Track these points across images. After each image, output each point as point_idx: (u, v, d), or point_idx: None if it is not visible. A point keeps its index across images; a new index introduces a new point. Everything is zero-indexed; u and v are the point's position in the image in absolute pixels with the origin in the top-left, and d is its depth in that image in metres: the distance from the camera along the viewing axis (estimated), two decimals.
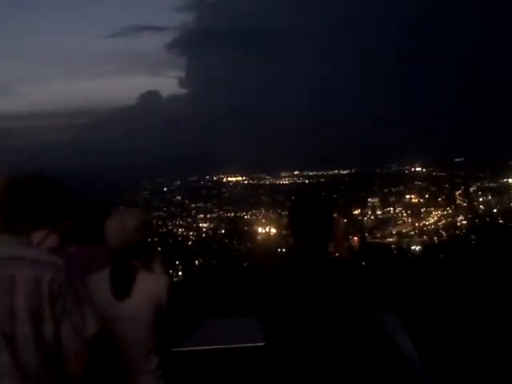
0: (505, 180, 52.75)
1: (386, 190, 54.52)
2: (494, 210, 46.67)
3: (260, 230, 48.41)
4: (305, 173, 61.99)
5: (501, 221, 39.13)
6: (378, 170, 59.61)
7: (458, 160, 58.80)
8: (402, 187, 54.78)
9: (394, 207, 52.31)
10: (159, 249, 39.49)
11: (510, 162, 53.04)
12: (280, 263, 2.98)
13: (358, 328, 2.65)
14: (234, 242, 44.56)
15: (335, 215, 2.87)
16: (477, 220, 44.05)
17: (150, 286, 3.02)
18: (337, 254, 3.08)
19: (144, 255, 3.08)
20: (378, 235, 47.57)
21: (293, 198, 3.03)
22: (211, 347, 3.47)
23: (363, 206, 52.13)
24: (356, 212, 51.37)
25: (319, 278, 2.70)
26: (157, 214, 51.83)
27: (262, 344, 2.88)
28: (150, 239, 3.21)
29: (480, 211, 48.23)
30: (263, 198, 55.44)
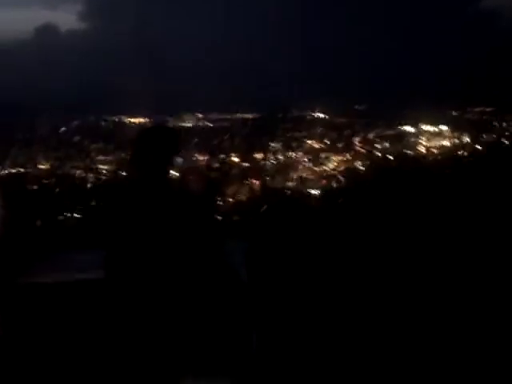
0: (401, 127, 54.77)
1: (288, 135, 54.90)
2: (390, 157, 48.39)
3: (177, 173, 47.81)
4: (209, 116, 61.28)
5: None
6: (280, 115, 59.83)
7: (358, 107, 60.11)
8: (304, 132, 55.38)
9: (295, 152, 53.05)
10: (57, 190, 38.34)
11: (406, 110, 54.90)
12: (119, 193, 3.02)
13: (195, 255, 2.72)
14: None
15: (186, 151, 2.97)
16: (374, 165, 45.54)
17: None
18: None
19: None
20: (280, 179, 48.42)
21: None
22: (54, 280, 3.29)
23: (265, 150, 52.34)
24: (258, 156, 51.73)
25: (155, 205, 2.80)
26: (54, 154, 50.20)
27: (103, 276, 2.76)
28: None
29: (376, 157, 49.92)
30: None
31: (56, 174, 46.40)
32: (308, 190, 42.27)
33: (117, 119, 63.58)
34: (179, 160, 3.17)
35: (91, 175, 47.50)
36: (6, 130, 49.03)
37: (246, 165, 54.72)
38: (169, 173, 2.81)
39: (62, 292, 3.32)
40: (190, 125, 59.66)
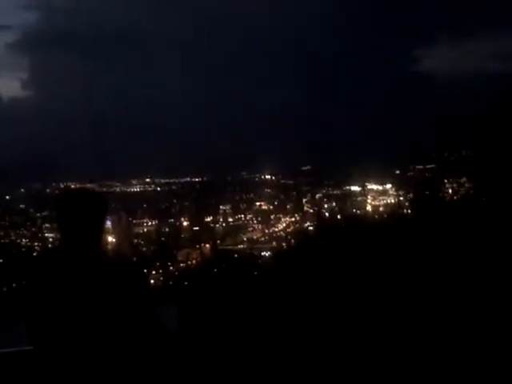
0: (347, 187, 55.91)
1: (237, 198, 55.57)
2: (338, 216, 49.17)
3: (110, 239, 47.37)
4: (156, 180, 61.40)
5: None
6: (229, 178, 60.41)
7: (304, 168, 61.30)
8: (252, 195, 56.28)
9: (244, 214, 53.51)
10: (1, 261, 37.28)
11: (350, 170, 56.19)
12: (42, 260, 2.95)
13: (122, 322, 2.69)
14: None
15: (118, 213, 2.95)
16: (323, 225, 46.06)
17: None
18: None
19: None
20: (230, 242, 48.42)
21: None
22: None
23: (215, 213, 52.78)
24: (208, 219, 51.92)
25: (82, 273, 2.73)
26: None
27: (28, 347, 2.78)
28: None
29: (325, 217, 50.67)
30: (112, 205, 53.78)
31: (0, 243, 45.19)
32: (258, 252, 42.33)
33: (63, 185, 63.24)
34: (108, 224, 3.21)
35: (37, 243, 46.87)
36: None
37: (196, 228, 55.17)
38: (96, 239, 2.81)
39: None
40: (138, 189, 59.66)
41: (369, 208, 52.90)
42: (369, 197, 55.30)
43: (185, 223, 50.63)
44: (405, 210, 44.18)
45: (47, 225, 50.16)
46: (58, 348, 2.56)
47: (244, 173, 61.47)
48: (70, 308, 2.63)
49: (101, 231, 2.83)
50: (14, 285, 31.88)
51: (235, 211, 53.52)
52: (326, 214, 51.54)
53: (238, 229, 51.80)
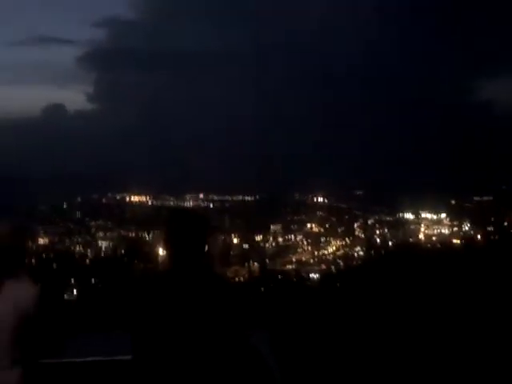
0: (401, 214, 55.06)
1: (288, 218, 55.32)
2: (390, 243, 48.46)
3: (161, 251, 46.67)
4: (210, 196, 61.96)
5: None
6: (282, 198, 60.38)
7: (356, 193, 60.77)
8: (303, 216, 55.93)
9: (295, 235, 53.19)
10: (55, 266, 38.30)
11: (404, 197, 55.39)
12: (151, 279, 2.98)
13: (222, 343, 2.74)
14: (134, 262, 42.66)
15: (215, 234, 2.97)
16: (373, 251, 45.51)
17: (16, 293, 2.93)
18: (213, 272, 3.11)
19: (10, 264, 2.98)
20: (279, 262, 48.01)
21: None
22: (79, 360, 3.37)
23: (266, 232, 52.63)
24: (258, 238, 51.90)
25: (188, 293, 2.78)
26: (54, 230, 50.38)
27: (129, 358, 2.85)
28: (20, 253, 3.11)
29: (377, 243, 49.93)
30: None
31: (55, 250, 46.30)
32: (307, 273, 42.02)
33: (119, 197, 64.80)
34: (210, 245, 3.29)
35: (91, 251, 47.56)
36: (7, 204, 49.38)
37: (246, 246, 55.25)
38: (202, 257, 2.88)
39: (91, 372, 3.38)
40: (191, 205, 60.25)
41: (422, 237, 51.94)
42: (422, 225, 54.31)
43: (235, 240, 50.79)
44: (461, 241, 43.19)
45: (101, 233, 51.78)
46: (161, 362, 2.69)
47: (296, 194, 61.69)
48: (176, 324, 2.72)
49: (205, 250, 2.94)
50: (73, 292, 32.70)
51: (286, 231, 53.33)
52: (377, 240, 51.10)
53: (287, 249, 51.47)
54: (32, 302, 2.94)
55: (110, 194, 63.28)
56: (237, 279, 42.90)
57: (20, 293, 2.93)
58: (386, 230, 52.94)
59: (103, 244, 49.75)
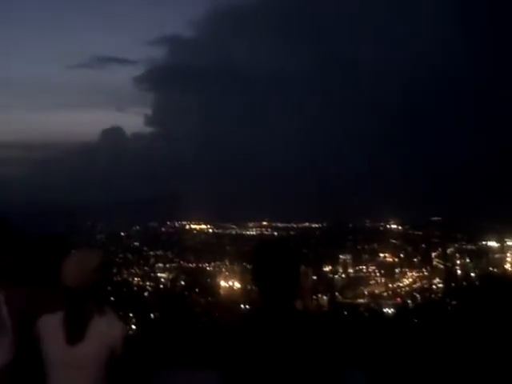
0: (483, 242, 53.39)
1: (359, 247, 54.94)
2: (472, 274, 47.11)
3: (223, 283, 48.69)
4: (274, 224, 62.29)
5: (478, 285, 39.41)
6: (351, 225, 60.09)
7: (434, 219, 59.39)
8: (375, 245, 55.38)
9: (366, 265, 52.73)
10: (112, 299, 39.06)
11: (485, 224, 53.88)
12: (244, 317, 3.02)
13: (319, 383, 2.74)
14: (194, 295, 44.08)
15: (302, 267, 2.97)
16: (454, 284, 44.37)
17: (104, 331, 3.02)
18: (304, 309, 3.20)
19: (99, 298, 3.09)
20: (349, 295, 47.89)
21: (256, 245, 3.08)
22: None
23: (334, 262, 52.41)
24: (326, 269, 51.63)
25: (282, 332, 2.79)
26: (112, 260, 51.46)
27: None
28: (106, 282, 3.22)
29: (457, 274, 48.65)
30: (228, 248, 55.48)
31: (113, 281, 47.25)
32: (380, 308, 41.27)
33: (178, 225, 65.82)
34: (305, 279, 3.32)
35: (149, 284, 48.39)
36: (68, 229, 50.79)
37: (314, 278, 53.65)
38: (293, 293, 2.93)
39: None
40: (253, 233, 60.45)
41: (508, 267, 50.27)
42: (508, 254, 52.54)
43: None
44: None
45: (160, 264, 52.76)
46: None
47: (367, 221, 61.27)
48: (268, 364, 2.75)
49: (296, 285, 2.94)
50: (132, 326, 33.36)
51: (356, 262, 52.88)
52: (458, 271, 49.80)
53: (358, 281, 51.01)
54: (121, 339, 3.05)
55: (169, 223, 64.22)
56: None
57: (111, 330, 3.04)
58: (467, 260, 51.47)
59: (162, 276, 50.50)
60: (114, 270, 50.06)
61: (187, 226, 63.75)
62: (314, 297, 46.45)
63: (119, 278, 47.63)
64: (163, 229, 62.92)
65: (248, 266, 48.57)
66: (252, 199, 71.84)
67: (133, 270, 51.23)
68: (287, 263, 2.89)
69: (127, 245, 57.36)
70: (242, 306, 39.17)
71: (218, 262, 52.23)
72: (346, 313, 38.85)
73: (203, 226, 63.36)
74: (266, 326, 2.83)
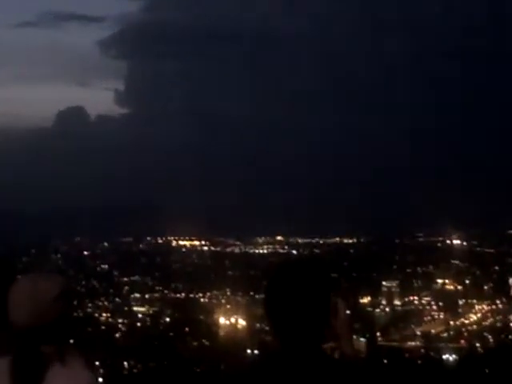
0: None
1: (408, 271, 54.95)
2: None
3: (223, 320, 48.29)
4: (292, 239, 62.52)
5: None
6: (397, 241, 60.45)
7: (510, 232, 59.28)
8: (431, 267, 55.28)
9: (419, 296, 52.73)
10: (72, 341, 39.14)
11: None
12: (252, 367, 3.03)
13: None
14: (184, 337, 44.34)
15: (335, 297, 2.94)
16: None
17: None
18: (337, 354, 3.08)
19: (59, 340, 3.02)
20: (396, 336, 47.98)
21: (271, 270, 3.00)
22: None
23: (375, 291, 52.71)
24: (365, 300, 51.84)
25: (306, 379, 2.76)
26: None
27: None
28: (69, 318, 3.13)
29: None
30: (230, 272, 55.48)
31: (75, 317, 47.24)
32: (438, 354, 41.22)
33: (161, 241, 65.06)
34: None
35: (122, 321, 48.03)
36: (10, 250, 50.44)
37: (347, 312, 52.79)
38: (323, 337, 2.91)
39: None
40: (265, 251, 60.10)
41: None
42: None
43: None
44: None
45: (136, 294, 52.31)
46: None
47: (420, 235, 61.42)
48: None
49: (326, 323, 2.90)
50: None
51: (405, 290, 52.86)
52: None
53: (408, 316, 51.02)
54: None
55: (149, 238, 64.40)
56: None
57: (73, 382, 2.98)
58: None
59: (140, 310, 50.62)
60: (75, 303, 50.22)
61: (174, 243, 63.90)
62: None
63: (81, 314, 47.31)
64: (141, 246, 63.04)
65: (258, 297, 48.57)
66: (262, 206, 71.91)
67: (100, 303, 51.29)
68: (314, 292, 2.86)
69: (92, 268, 57.46)
70: (249, 351, 39.29)
71: (217, 292, 52.21)
72: (390, 360, 39.05)
73: (196, 243, 63.43)
74: (284, 380, 2.80)
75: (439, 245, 60.15)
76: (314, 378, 2.77)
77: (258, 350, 38.80)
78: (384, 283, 53.06)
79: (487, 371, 28.32)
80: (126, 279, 55.13)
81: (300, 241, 62.19)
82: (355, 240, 61.81)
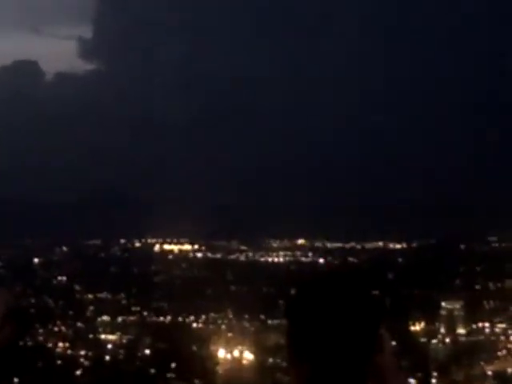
0: None
1: (477, 287, 54.79)
2: None
3: (223, 353, 48.89)
4: (317, 244, 62.42)
5: None
6: (462, 247, 59.98)
7: None
8: (509, 282, 54.68)
9: (491, 322, 52.22)
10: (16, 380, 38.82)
11: None
12: None
13: None
14: (169, 376, 44.70)
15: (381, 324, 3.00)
16: None
17: None
18: None
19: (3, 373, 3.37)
20: (459, 377, 47.72)
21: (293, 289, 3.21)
22: None
23: (432, 315, 52.21)
24: (417, 328, 51.92)
25: None
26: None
27: None
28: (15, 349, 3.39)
29: None
30: (233, 287, 55.67)
31: (18, 347, 46.49)
32: None
33: (139, 243, 65.28)
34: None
35: (85, 353, 48.37)
36: None
37: (392, 344, 52.32)
38: (365, 378, 2.82)
39: None
40: (281, 259, 60.33)
41: None
42: None
43: None
44: None
45: (105, 317, 52.70)
46: None
47: (494, 238, 61.11)
48: None
49: (370, 359, 2.90)
50: None
51: (473, 314, 52.14)
52: None
53: (475, 350, 50.32)
54: None
55: (123, 240, 64.50)
56: None
57: None
58: None
59: (110, 338, 50.54)
60: (25, 328, 49.73)
61: (157, 247, 63.92)
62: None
63: (30, 342, 47.55)
64: (112, 251, 62.96)
65: (271, 322, 49.31)
66: (276, 198, 72.16)
67: (55, 328, 51.26)
68: (356, 318, 2.91)
69: (45, 280, 57.33)
70: None
71: (215, 314, 51.98)
72: None
73: (187, 247, 63.44)
74: None
75: None
76: None
77: None
78: (443, 304, 52.60)
79: None
80: (90, 296, 54.72)
81: (329, 245, 62.16)
82: (404, 245, 61.74)
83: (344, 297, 2.83)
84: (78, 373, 45.66)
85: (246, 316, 50.81)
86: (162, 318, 52.61)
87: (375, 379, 2.96)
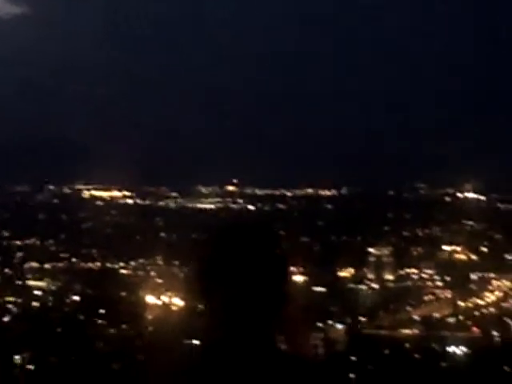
0: None
1: (405, 234, 55.63)
2: None
3: (152, 299, 49.22)
4: (247, 190, 62.92)
5: None
6: (391, 193, 61.01)
7: None
8: (436, 229, 55.93)
9: (418, 268, 53.29)
10: None
11: None
12: (188, 360, 3.10)
13: None
14: (98, 322, 45.04)
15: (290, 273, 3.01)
16: None
17: None
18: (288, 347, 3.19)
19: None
20: (386, 322, 48.89)
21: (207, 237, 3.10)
22: None
23: (358, 262, 53.32)
24: (345, 273, 52.62)
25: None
26: None
27: None
28: None
29: None
30: (162, 234, 56.30)
31: None
32: (442, 345, 41.98)
33: (68, 190, 64.62)
34: None
35: (15, 299, 47.94)
36: None
37: (321, 290, 54.93)
38: (276, 326, 3.05)
39: None
40: (211, 206, 60.30)
41: None
42: None
43: (297, 278, 50.49)
44: None
45: (33, 263, 52.56)
46: None
47: (422, 185, 61.48)
48: None
49: (280, 307, 3.02)
50: None
51: (399, 260, 53.57)
52: None
53: (401, 295, 51.96)
54: None
55: (51, 187, 64.20)
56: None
57: None
58: None
59: (38, 285, 50.71)
60: None
61: (86, 193, 63.85)
62: (322, 325, 46.51)
63: None
64: (40, 197, 62.94)
65: (197, 269, 49.20)
66: (208, 143, 72.18)
67: None
68: (268, 266, 2.93)
69: None
70: (187, 341, 39.74)
71: (144, 260, 52.81)
72: (376, 353, 39.64)
73: (117, 194, 63.47)
74: (226, 377, 2.90)
75: (448, 199, 60.61)
76: (260, 374, 2.90)
77: (199, 339, 39.15)
78: (371, 250, 53.77)
79: (506, 369, 28.85)
80: (18, 242, 55.14)
81: (259, 192, 62.52)
82: (334, 192, 61.99)
83: (247, 250, 2.91)
84: (6, 319, 46.14)
85: (176, 262, 51.34)
86: (90, 265, 52.87)
87: (287, 328, 3.14)
